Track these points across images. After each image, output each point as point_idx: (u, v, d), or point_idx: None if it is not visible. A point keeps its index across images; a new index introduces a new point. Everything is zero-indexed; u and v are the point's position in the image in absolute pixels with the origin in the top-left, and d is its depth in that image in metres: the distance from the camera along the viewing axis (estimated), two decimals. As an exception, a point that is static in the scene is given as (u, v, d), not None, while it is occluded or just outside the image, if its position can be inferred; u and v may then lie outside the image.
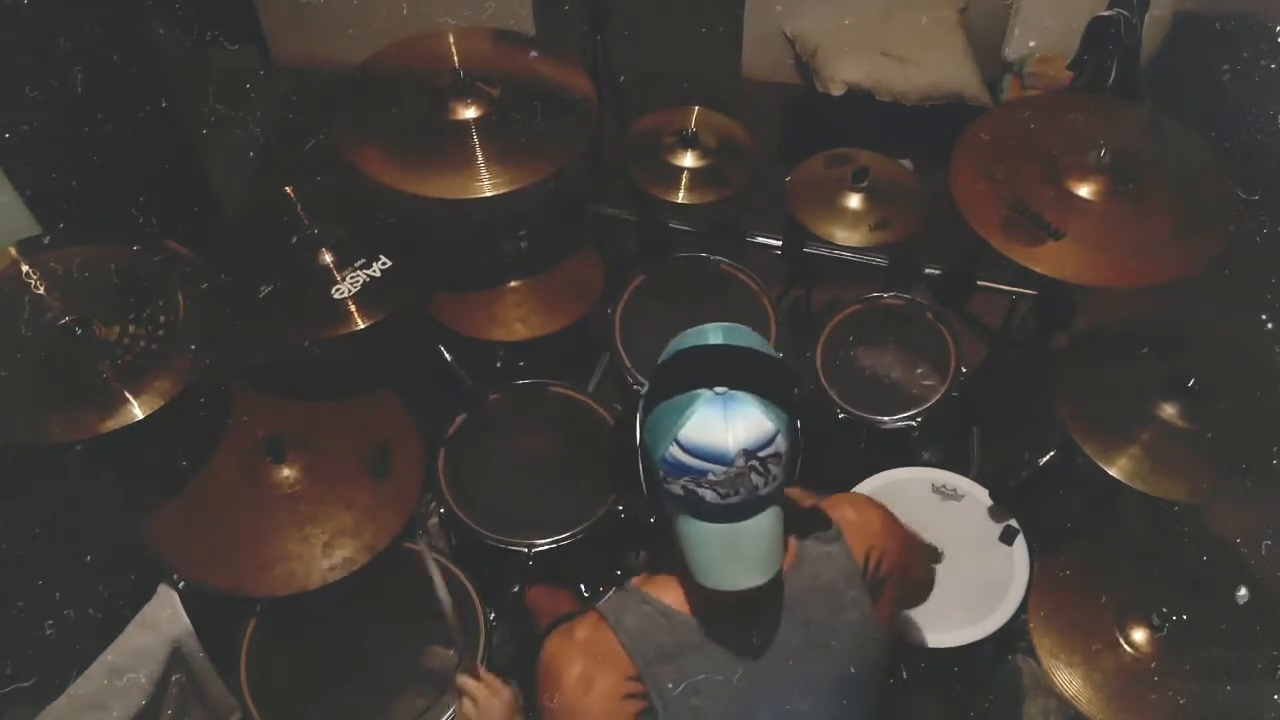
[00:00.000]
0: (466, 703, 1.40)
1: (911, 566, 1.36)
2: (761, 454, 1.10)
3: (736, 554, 1.13)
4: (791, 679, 1.22)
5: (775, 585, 1.21)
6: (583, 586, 2.00)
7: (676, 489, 1.12)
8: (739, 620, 1.21)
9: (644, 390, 1.19)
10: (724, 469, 1.09)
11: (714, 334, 1.18)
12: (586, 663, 1.19)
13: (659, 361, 1.20)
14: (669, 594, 1.22)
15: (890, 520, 1.33)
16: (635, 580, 1.27)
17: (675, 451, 1.10)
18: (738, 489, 1.11)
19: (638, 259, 2.61)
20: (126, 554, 1.88)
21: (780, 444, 1.12)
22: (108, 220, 1.97)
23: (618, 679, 1.18)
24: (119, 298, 1.79)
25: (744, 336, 1.19)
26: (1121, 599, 1.76)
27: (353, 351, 1.99)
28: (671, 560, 1.24)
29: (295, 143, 3.09)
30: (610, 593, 1.27)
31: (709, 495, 1.11)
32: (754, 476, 1.11)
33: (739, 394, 1.11)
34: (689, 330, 1.21)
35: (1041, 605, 1.80)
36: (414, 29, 2.20)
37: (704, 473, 1.10)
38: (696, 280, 2.49)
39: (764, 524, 1.14)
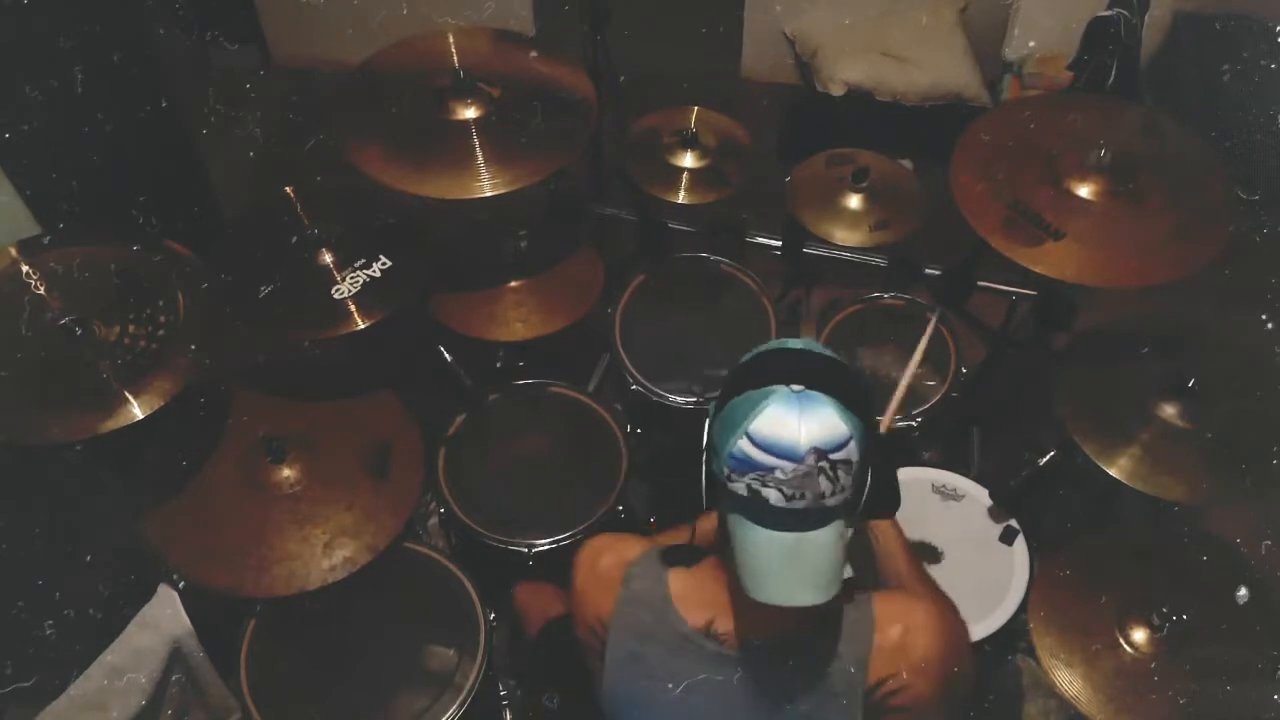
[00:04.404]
0: None
1: (933, 712, 1.25)
2: (833, 456, 1.07)
3: (793, 566, 1.10)
4: None
5: (779, 645, 1.20)
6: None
7: (740, 487, 1.10)
8: (723, 653, 1.20)
9: (714, 393, 1.19)
10: (792, 466, 1.07)
11: (794, 343, 1.19)
12: (587, 584, 1.29)
13: (738, 363, 1.18)
14: (682, 587, 1.23)
15: (938, 660, 1.20)
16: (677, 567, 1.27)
17: (744, 445, 1.08)
18: (803, 491, 1.08)
19: (638, 259, 2.61)
20: (126, 554, 1.88)
21: (853, 451, 1.09)
22: (108, 220, 1.97)
23: (594, 612, 1.27)
24: (119, 298, 1.79)
25: (822, 348, 1.20)
26: (1121, 599, 1.76)
27: (353, 351, 1.99)
28: (697, 559, 1.26)
29: (295, 143, 3.10)
30: (660, 548, 1.28)
31: (773, 496, 1.08)
32: (822, 480, 1.08)
33: (815, 393, 1.09)
34: (767, 344, 1.22)
35: (1041, 605, 1.80)
36: (414, 29, 2.20)
37: (771, 469, 1.07)
38: (696, 280, 2.49)
39: (826, 539, 1.11)
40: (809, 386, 1.09)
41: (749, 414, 1.08)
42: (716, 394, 1.18)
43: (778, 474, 1.07)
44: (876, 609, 1.22)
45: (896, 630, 1.21)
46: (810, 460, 1.07)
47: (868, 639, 1.20)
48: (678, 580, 1.24)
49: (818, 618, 1.18)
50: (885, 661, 1.19)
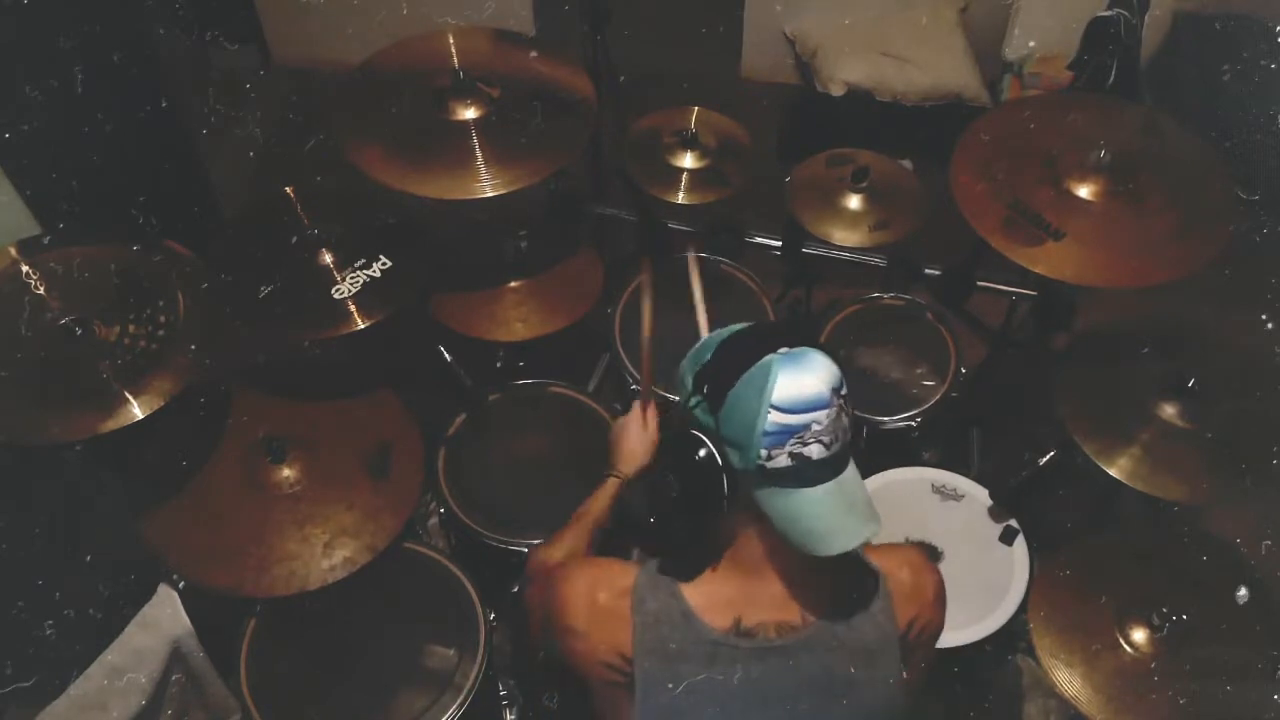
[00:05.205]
0: (633, 413, 1.54)
1: (937, 639, 1.34)
2: (843, 392, 1.12)
3: (848, 508, 1.14)
4: (795, 715, 1.22)
5: (816, 621, 1.21)
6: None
7: (783, 460, 1.11)
8: (760, 646, 1.20)
9: (696, 400, 1.18)
10: (825, 413, 1.10)
11: (735, 326, 1.21)
12: (592, 623, 1.22)
13: (699, 368, 1.19)
14: (699, 597, 1.22)
15: (942, 589, 1.32)
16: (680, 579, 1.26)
17: (775, 417, 1.09)
18: (836, 434, 1.12)
19: (638, 259, 2.61)
20: (126, 554, 1.88)
21: (845, 382, 1.14)
22: (108, 220, 1.97)
23: (608, 647, 1.21)
24: (119, 298, 1.79)
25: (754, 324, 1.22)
26: (1121, 599, 1.77)
27: (353, 351, 1.99)
28: (717, 558, 1.24)
29: (295, 143, 3.10)
30: (651, 562, 1.27)
31: (815, 451, 1.11)
32: (844, 417, 1.13)
33: (800, 348, 1.13)
34: (703, 341, 1.22)
35: (1041, 605, 1.80)
36: (414, 29, 2.20)
37: (807, 426, 1.10)
38: (696, 280, 2.48)
39: (854, 470, 1.16)
40: (790, 345, 1.13)
41: (763, 389, 1.10)
42: (696, 401, 1.18)
43: (814, 427, 1.10)
44: (874, 560, 1.28)
45: (905, 573, 1.27)
46: (835, 402, 1.11)
47: (885, 589, 1.25)
48: (692, 591, 1.22)
49: (840, 583, 1.23)
50: (906, 604, 1.25)
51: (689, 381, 1.19)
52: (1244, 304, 1.97)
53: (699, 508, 1.21)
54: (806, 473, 1.12)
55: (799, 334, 1.16)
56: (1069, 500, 2.24)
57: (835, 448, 1.12)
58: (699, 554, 1.26)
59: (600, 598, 1.23)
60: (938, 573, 1.32)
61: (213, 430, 1.90)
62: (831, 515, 1.13)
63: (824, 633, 1.21)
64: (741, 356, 1.13)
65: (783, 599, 1.21)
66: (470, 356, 2.15)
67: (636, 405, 1.58)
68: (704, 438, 1.17)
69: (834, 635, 1.22)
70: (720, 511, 1.19)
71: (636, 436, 1.54)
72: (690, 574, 1.24)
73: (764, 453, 1.11)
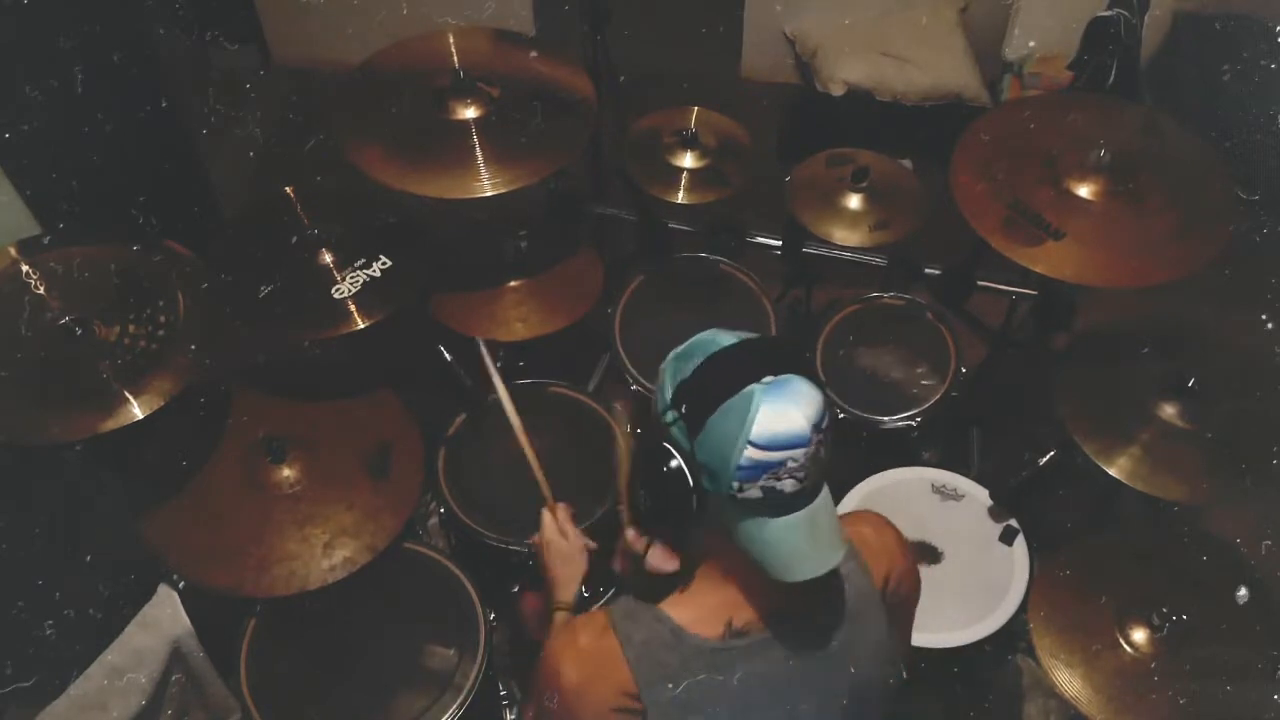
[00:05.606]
0: (547, 529, 1.56)
1: (917, 591, 1.34)
2: (824, 426, 1.09)
3: (816, 536, 1.12)
4: (800, 701, 1.22)
5: (800, 605, 1.20)
6: (582, 587, 2.00)
7: (754, 493, 1.09)
8: (755, 641, 1.20)
9: (673, 416, 1.14)
10: (804, 451, 1.07)
11: (723, 337, 1.16)
12: (584, 669, 1.18)
13: (680, 382, 1.14)
14: (684, 613, 1.21)
15: (905, 542, 1.32)
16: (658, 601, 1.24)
17: (751, 453, 1.07)
18: (812, 469, 1.09)
19: (638, 259, 2.61)
20: (126, 554, 1.88)
21: (828, 411, 1.11)
22: (108, 220, 1.97)
23: (612, 691, 1.16)
24: (119, 298, 1.79)
25: (745, 333, 1.18)
26: (1121, 599, 1.76)
27: (353, 351, 1.99)
28: (689, 577, 1.23)
29: (295, 143, 3.10)
30: (620, 598, 1.26)
31: (789, 485, 1.08)
32: (822, 451, 1.09)
33: (785, 376, 1.09)
34: (689, 345, 1.18)
35: (1041, 605, 1.80)
36: (414, 29, 2.21)
37: (783, 463, 1.07)
38: (696, 280, 2.49)
39: (826, 497, 1.14)
40: (775, 373, 1.09)
41: (742, 424, 1.07)
42: (673, 418, 1.15)
43: (789, 464, 1.08)
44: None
45: (867, 531, 1.28)
46: (814, 438, 1.08)
47: (855, 551, 1.24)
48: (675, 608, 1.21)
49: None
50: (876, 561, 1.25)
51: (668, 389, 1.16)
52: (1244, 304, 1.97)
53: (666, 520, 1.20)
54: (777, 504, 1.10)
55: (787, 358, 1.12)
56: (1069, 500, 2.24)
57: (808, 482, 1.10)
58: (670, 576, 1.25)
59: (582, 641, 1.20)
60: (895, 527, 1.32)
61: (213, 430, 1.90)
62: (796, 545, 1.11)
63: (809, 613, 1.21)
64: (725, 382, 1.10)
65: (764, 592, 1.19)
66: (470, 356, 2.15)
67: (546, 516, 1.58)
68: (674, 452, 1.14)
69: (819, 613, 1.21)
70: (687, 525, 1.17)
71: (561, 554, 1.53)
72: (662, 595, 1.23)
73: (736, 485, 1.09)
